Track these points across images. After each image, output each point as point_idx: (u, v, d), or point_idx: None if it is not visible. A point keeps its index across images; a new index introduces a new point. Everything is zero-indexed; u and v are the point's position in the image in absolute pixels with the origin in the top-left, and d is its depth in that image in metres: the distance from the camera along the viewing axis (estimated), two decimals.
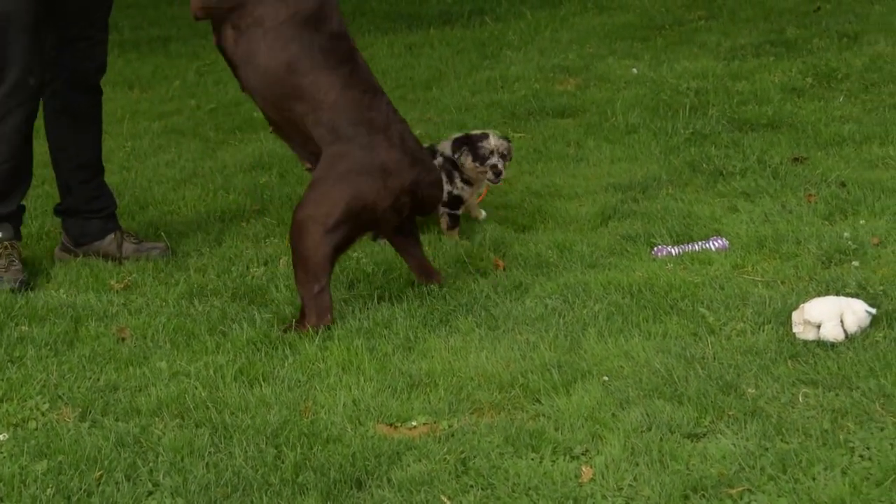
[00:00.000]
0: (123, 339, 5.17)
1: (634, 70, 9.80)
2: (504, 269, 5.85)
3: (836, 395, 4.39)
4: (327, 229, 5.22)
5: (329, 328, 5.18)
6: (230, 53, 5.46)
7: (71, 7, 5.89)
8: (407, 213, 5.46)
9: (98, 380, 4.79)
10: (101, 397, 4.64)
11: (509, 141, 6.46)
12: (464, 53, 11.03)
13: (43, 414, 4.50)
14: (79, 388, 4.72)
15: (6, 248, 5.88)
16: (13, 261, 5.84)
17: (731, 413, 4.33)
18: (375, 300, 5.50)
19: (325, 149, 5.30)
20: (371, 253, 6.03)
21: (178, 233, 6.56)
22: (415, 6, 13.67)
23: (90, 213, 6.25)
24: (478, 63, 10.60)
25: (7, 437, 4.31)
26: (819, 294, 5.16)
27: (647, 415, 4.33)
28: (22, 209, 6.06)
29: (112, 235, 6.27)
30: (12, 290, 5.65)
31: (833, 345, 4.77)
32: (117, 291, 5.72)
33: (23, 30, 5.62)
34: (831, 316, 4.84)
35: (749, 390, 4.49)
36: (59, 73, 5.94)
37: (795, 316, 4.92)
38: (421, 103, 9.36)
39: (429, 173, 5.52)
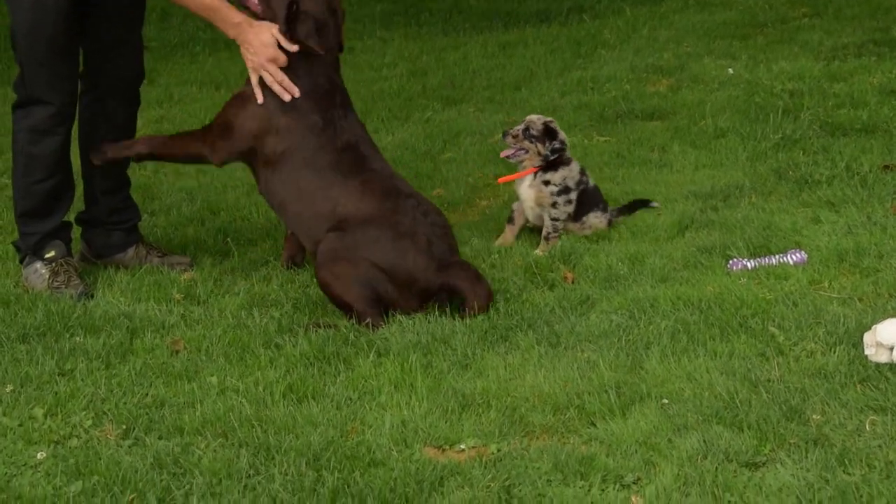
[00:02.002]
0: (177, 352, 5.10)
1: (730, 70, 9.56)
2: (573, 282, 5.68)
3: None
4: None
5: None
6: (265, 197, 5.77)
7: (105, 10, 5.79)
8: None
9: (146, 395, 4.72)
10: (147, 414, 4.57)
11: (550, 124, 6.33)
12: (557, 53, 10.85)
13: (86, 431, 4.44)
14: (125, 403, 4.65)
15: (62, 265, 5.83)
16: (71, 276, 5.80)
17: (792, 441, 4.14)
18: (437, 313, 5.36)
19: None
20: None
21: (246, 240, 6.49)
22: (513, 4, 13.50)
23: (113, 224, 6.17)
24: (571, 63, 10.42)
25: (46, 455, 4.24)
26: (893, 317, 4.92)
27: (705, 441, 4.16)
28: (69, 225, 6.02)
29: (133, 248, 6.18)
30: (72, 299, 5.60)
31: None
32: (178, 301, 5.65)
33: (56, 50, 5.60)
34: None
35: (814, 416, 4.30)
36: (99, 80, 5.87)
37: (867, 338, 4.71)
38: (508, 105, 9.21)
39: (460, 274, 5.45)
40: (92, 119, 5.95)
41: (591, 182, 6.42)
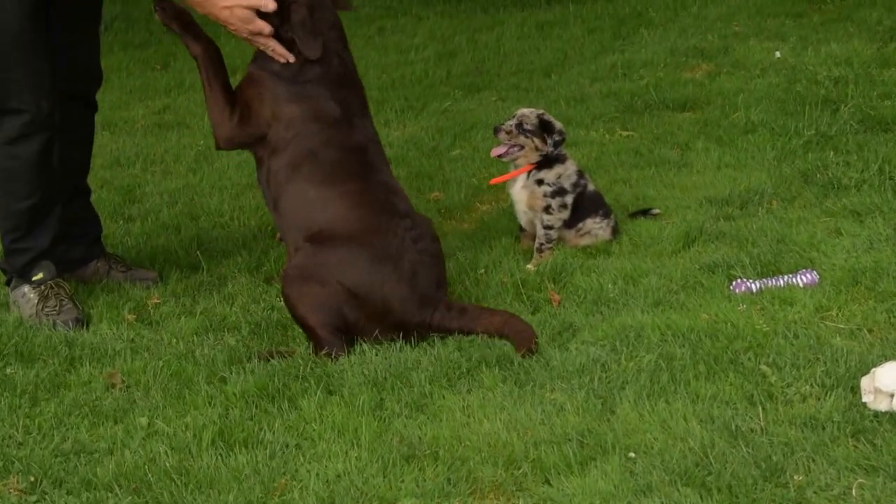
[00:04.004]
0: (113, 386, 4.70)
1: (777, 53, 9.02)
2: (559, 305, 5.21)
3: None
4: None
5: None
6: (262, 190, 5.23)
7: (59, 8, 5.33)
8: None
9: (65, 440, 4.32)
10: (61, 463, 4.17)
11: (543, 116, 5.79)
12: (597, 33, 10.34)
13: None
14: (42, 450, 4.25)
15: (51, 287, 5.41)
16: (63, 301, 5.38)
17: None
18: (405, 342, 4.93)
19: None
20: None
21: (220, 252, 6.08)
22: None
23: (73, 237, 5.72)
24: (608, 45, 9.92)
25: None
26: None
27: None
28: (59, 243, 5.56)
29: (95, 262, 5.77)
30: (66, 327, 5.23)
31: None
32: (129, 324, 5.25)
33: (24, 47, 5.14)
34: None
35: (796, 477, 3.83)
36: (55, 83, 5.35)
37: (865, 383, 4.21)
38: (534, 93, 8.74)
39: (442, 316, 4.98)
40: None
41: (591, 186, 5.89)
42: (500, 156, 5.79)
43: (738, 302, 5.05)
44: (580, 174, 5.88)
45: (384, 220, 4.99)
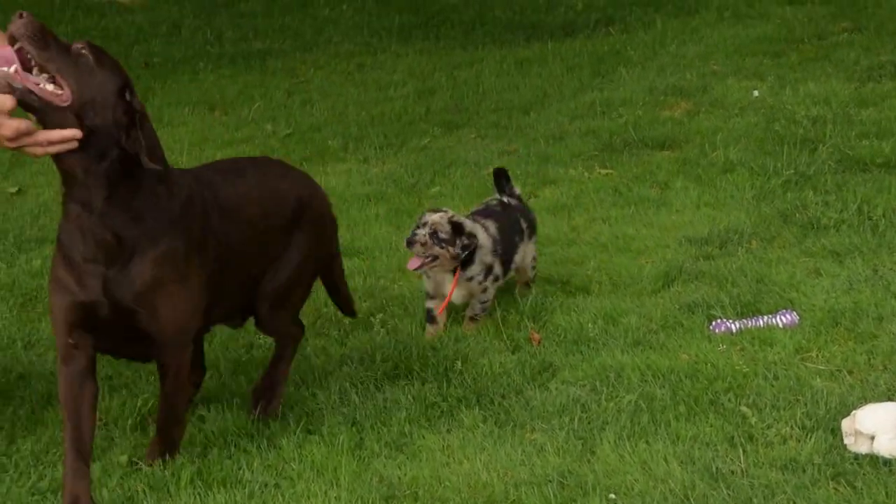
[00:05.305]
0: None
1: (755, 93, 9.03)
2: (539, 344, 5.20)
3: None
4: None
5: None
6: None
7: None
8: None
9: (43, 478, 4.30)
10: (38, 502, 4.17)
11: (454, 219, 5.43)
12: (576, 71, 10.33)
13: None
14: (18, 488, 4.24)
15: None
16: None
17: None
18: (386, 380, 4.91)
19: None
20: (393, 329, 5.42)
21: None
22: (539, 15, 12.93)
23: None
24: (588, 83, 9.91)
25: None
26: (882, 395, 4.40)
27: None
28: None
29: None
30: None
31: (889, 462, 4.04)
32: (108, 361, 5.19)
33: None
34: (888, 427, 4.13)
35: None
36: None
37: (846, 425, 4.21)
38: (513, 131, 8.72)
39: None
40: None
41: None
42: (416, 268, 5.44)
43: (718, 342, 5.05)
44: (494, 224, 5.62)
45: None
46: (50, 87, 3.79)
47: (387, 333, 5.35)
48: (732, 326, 5.17)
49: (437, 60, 11.20)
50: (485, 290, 5.51)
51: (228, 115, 9.80)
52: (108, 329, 4.06)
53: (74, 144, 3.83)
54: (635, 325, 5.26)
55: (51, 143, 3.81)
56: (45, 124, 3.79)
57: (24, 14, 3.71)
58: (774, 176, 7.07)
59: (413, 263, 5.42)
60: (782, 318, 5.19)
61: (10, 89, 3.69)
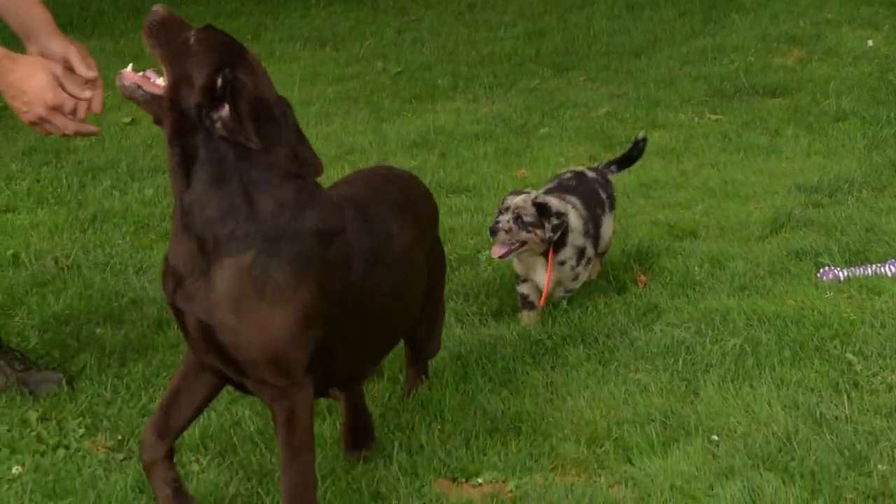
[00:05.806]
0: None
1: (869, 42, 8.91)
2: (645, 286, 5.20)
3: None
4: None
5: None
6: None
7: None
8: None
9: (153, 400, 4.36)
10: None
11: (538, 200, 5.01)
12: (687, 16, 10.24)
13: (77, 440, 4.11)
14: (129, 409, 4.33)
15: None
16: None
17: (849, 496, 3.66)
18: (491, 316, 4.95)
19: None
20: (499, 266, 5.41)
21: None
22: None
23: None
24: (699, 28, 9.82)
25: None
26: None
27: (749, 491, 3.69)
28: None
29: None
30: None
31: None
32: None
33: None
34: None
35: (880, 466, 3.80)
36: None
37: None
38: (622, 74, 8.69)
39: None
40: None
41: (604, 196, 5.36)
42: (501, 256, 5.03)
43: (825, 290, 5.02)
44: (584, 212, 5.19)
45: None
46: (160, 80, 3.43)
47: (493, 271, 5.37)
48: (840, 274, 5.14)
49: (547, 2, 11.16)
50: (576, 277, 5.12)
51: (339, 51, 9.86)
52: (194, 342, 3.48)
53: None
54: (742, 270, 5.24)
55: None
56: (153, 115, 3.49)
57: (155, 7, 3.45)
58: (887, 125, 7.02)
59: (497, 251, 4.98)
60: (891, 266, 5.15)
61: (122, 87, 3.45)
